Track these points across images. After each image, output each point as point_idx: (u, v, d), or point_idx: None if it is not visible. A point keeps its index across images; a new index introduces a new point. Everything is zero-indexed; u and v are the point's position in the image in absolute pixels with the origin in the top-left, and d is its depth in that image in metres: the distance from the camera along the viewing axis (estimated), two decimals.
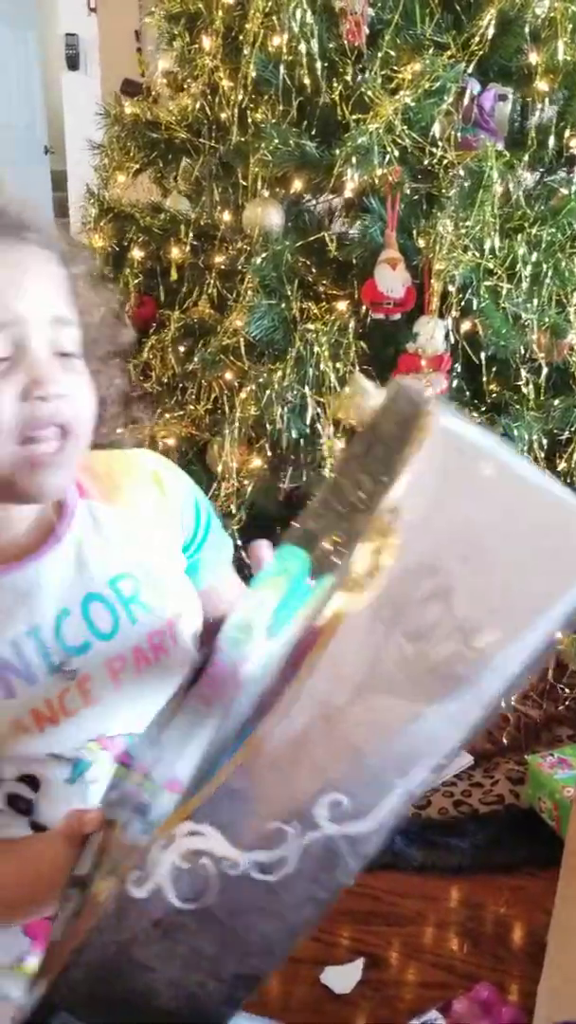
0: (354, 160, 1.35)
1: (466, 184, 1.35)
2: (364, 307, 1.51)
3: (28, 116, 6.49)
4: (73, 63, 5.83)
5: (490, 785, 1.70)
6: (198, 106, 1.54)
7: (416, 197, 1.44)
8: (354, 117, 1.35)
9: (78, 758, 0.76)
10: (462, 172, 1.36)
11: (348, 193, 1.40)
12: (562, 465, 1.56)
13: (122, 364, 0.87)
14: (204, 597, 0.87)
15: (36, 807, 0.76)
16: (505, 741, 1.79)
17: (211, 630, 0.77)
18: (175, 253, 1.64)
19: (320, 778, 0.52)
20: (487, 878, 1.51)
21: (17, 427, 0.70)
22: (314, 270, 1.53)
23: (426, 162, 1.40)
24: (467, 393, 1.55)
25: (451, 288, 1.39)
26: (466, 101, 1.44)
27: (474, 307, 1.43)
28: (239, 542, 1.53)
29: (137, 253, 1.62)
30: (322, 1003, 1.29)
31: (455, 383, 1.56)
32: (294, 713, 0.51)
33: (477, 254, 1.36)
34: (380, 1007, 1.28)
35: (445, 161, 1.39)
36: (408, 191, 1.45)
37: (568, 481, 1.54)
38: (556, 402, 1.51)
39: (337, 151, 1.36)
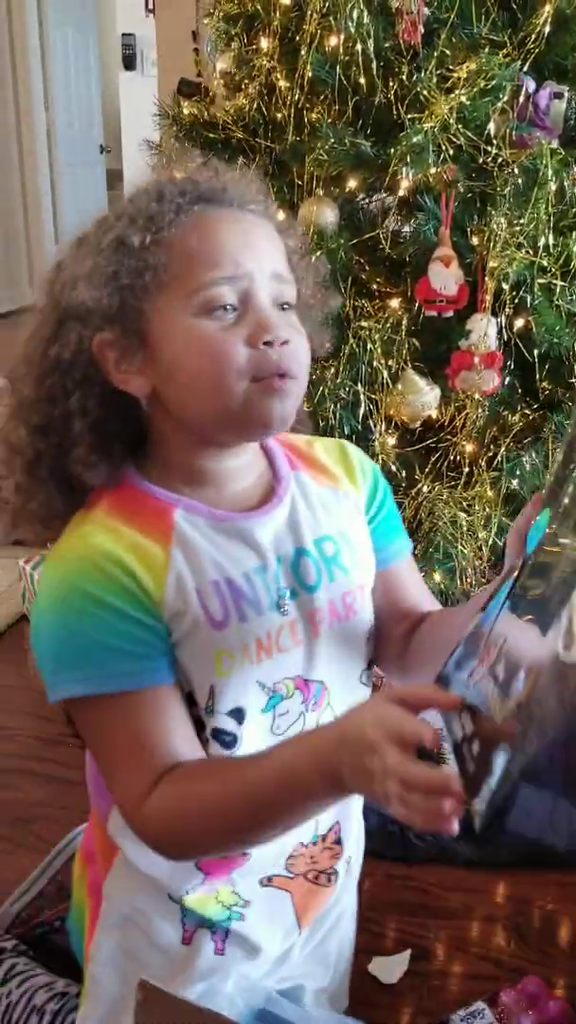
0: (409, 159, 1.36)
1: (520, 182, 1.35)
2: (417, 305, 1.52)
3: (86, 116, 6.58)
4: (129, 63, 5.92)
5: None
6: (254, 106, 1.56)
7: (470, 195, 1.45)
8: (409, 116, 1.36)
9: (276, 691, 0.85)
10: (516, 170, 1.36)
11: (402, 192, 1.41)
12: None
13: (332, 330, 0.97)
14: (386, 580, 0.95)
15: (239, 741, 0.84)
16: None
17: None
18: None
19: None
20: (535, 874, 1.51)
21: (249, 370, 0.78)
22: (367, 268, 1.54)
23: (480, 160, 1.41)
24: (519, 390, 1.55)
25: (504, 286, 1.39)
26: (521, 99, 1.44)
27: (527, 304, 1.44)
28: None
29: None
30: (370, 992, 1.31)
31: (507, 380, 1.56)
32: None
33: (531, 252, 1.36)
34: (427, 998, 1.30)
35: (500, 159, 1.40)
36: (462, 189, 1.46)
37: None
38: None
39: (392, 150, 1.37)
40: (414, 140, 1.32)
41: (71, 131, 6.44)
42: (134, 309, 0.80)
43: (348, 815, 0.99)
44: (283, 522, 0.87)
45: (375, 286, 1.55)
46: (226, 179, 0.86)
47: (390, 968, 1.34)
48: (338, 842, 0.95)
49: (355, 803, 1.03)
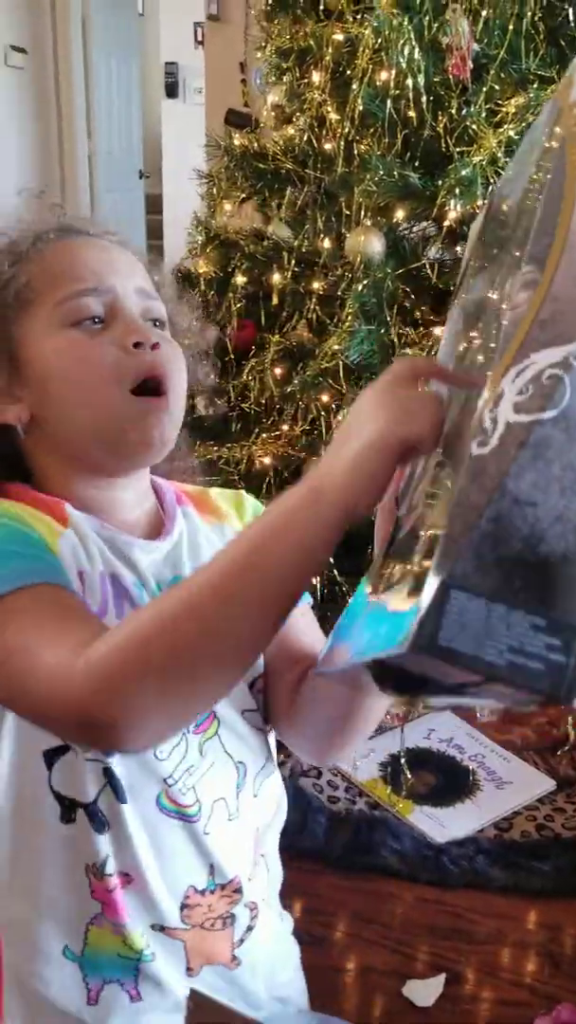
0: (458, 191, 1.39)
1: None
2: None
3: (126, 142, 6.70)
4: (172, 91, 6.03)
5: (572, 811, 1.70)
6: (304, 138, 1.60)
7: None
8: (458, 150, 1.39)
9: None
10: None
11: (448, 222, 1.44)
12: None
13: (212, 364, 0.95)
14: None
15: None
16: None
17: None
18: (276, 279, 1.70)
19: None
20: (568, 902, 1.51)
21: (122, 373, 0.76)
22: (412, 296, 1.57)
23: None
24: None
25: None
26: None
27: None
28: (331, 559, 1.58)
29: (240, 279, 1.69)
30: (403, 1015, 1.31)
31: None
32: None
33: None
34: (460, 1022, 1.30)
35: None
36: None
37: None
38: None
39: (440, 182, 1.40)
40: (463, 173, 1.35)
41: (111, 158, 6.56)
42: (1, 336, 0.79)
43: (251, 866, 0.88)
44: (164, 555, 0.82)
45: (419, 315, 1.58)
46: (83, 218, 0.89)
47: (424, 991, 1.34)
48: (238, 891, 0.84)
49: (269, 846, 0.93)
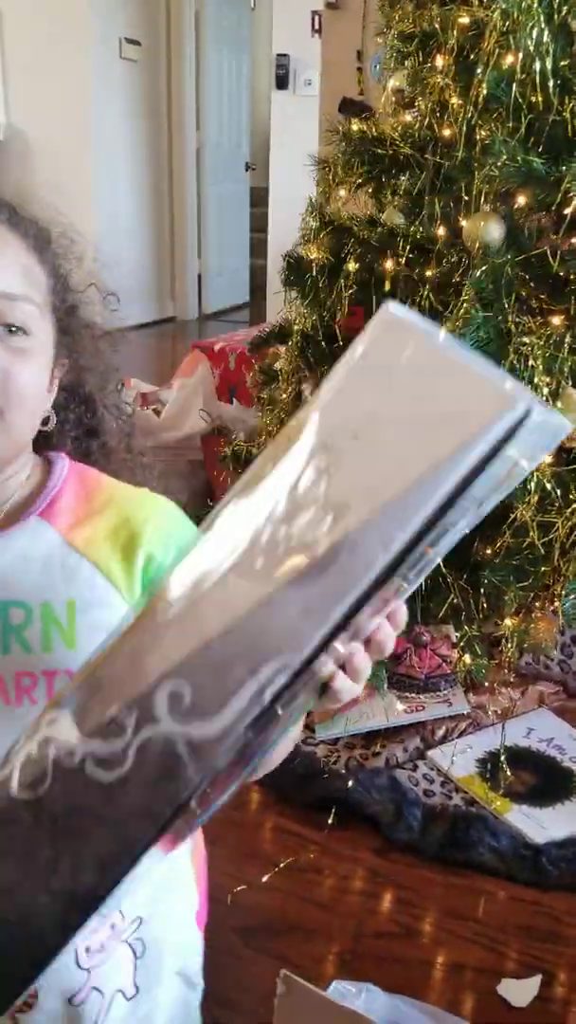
0: None
1: None
2: None
3: (235, 135, 6.76)
4: (282, 83, 6.04)
5: None
6: (424, 123, 1.58)
7: None
8: None
9: None
10: None
11: (572, 209, 1.40)
12: None
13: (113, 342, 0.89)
14: None
15: None
16: None
17: None
18: (389, 265, 1.68)
19: (165, 660, 0.48)
20: None
21: None
22: (531, 284, 1.53)
23: None
24: None
25: None
26: None
27: None
28: None
29: (352, 265, 1.68)
30: (498, 1013, 1.29)
31: None
32: (173, 589, 0.49)
33: None
34: None
35: None
36: None
37: None
38: None
39: (564, 167, 1.37)
40: None
41: (219, 150, 6.62)
42: None
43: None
44: None
45: (536, 303, 1.54)
46: None
47: (520, 991, 1.32)
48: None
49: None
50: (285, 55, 5.63)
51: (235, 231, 7.04)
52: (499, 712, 1.93)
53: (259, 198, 7.18)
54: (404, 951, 1.40)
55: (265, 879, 1.51)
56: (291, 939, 1.40)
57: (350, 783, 1.65)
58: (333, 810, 1.64)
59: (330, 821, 1.63)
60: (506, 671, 2.02)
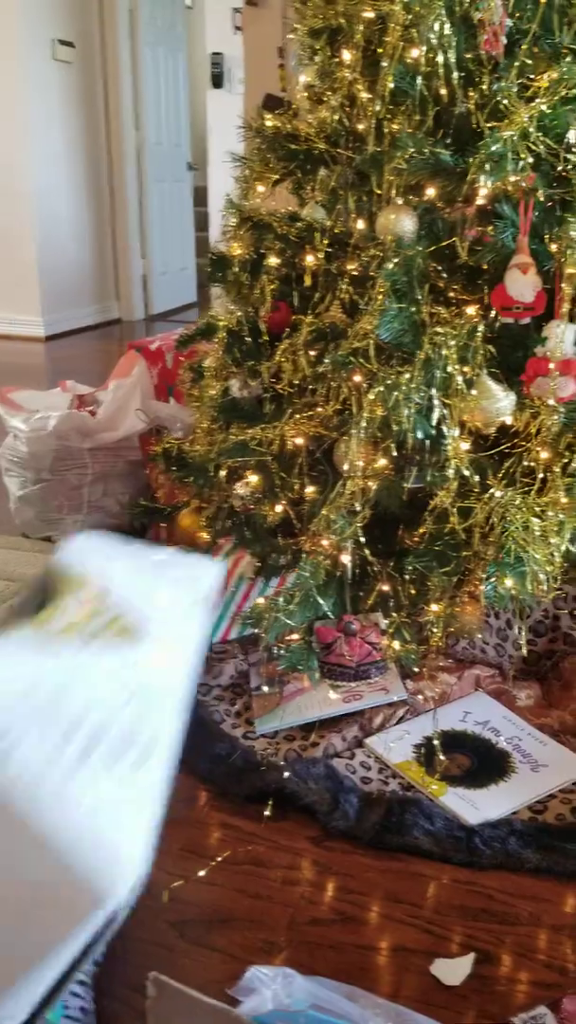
0: (488, 167, 1.37)
1: None
2: (494, 312, 1.54)
3: (175, 134, 6.75)
4: (218, 81, 6.05)
5: None
6: (336, 118, 1.60)
7: (550, 203, 1.46)
8: (489, 125, 1.38)
9: None
10: None
11: (480, 200, 1.42)
12: None
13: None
14: None
15: None
16: None
17: None
18: (309, 260, 1.70)
19: None
20: None
21: None
22: (445, 275, 1.56)
23: (560, 168, 1.42)
24: None
25: None
26: None
27: None
28: (363, 539, 1.58)
29: (272, 260, 1.69)
30: (431, 993, 1.31)
31: None
32: None
33: None
34: (490, 1002, 1.30)
35: None
36: (542, 197, 1.46)
37: None
38: None
39: (471, 159, 1.39)
40: (493, 148, 1.33)
41: (160, 148, 6.61)
42: None
43: None
44: None
45: (452, 293, 1.57)
46: None
47: (453, 970, 1.34)
48: None
49: None
50: (219, 54, 5.64)
51: (179, 231, 7.03)
52: (436, 697, 1.96)
53: (203, 197, 7.18)
54: (340, 937, 1.41)
55: (202, 873, 1.52)
56: (226, 930, 1.41)
57: (286, 774, 1.66)
58: (270, 802, 1.65)
59: (267, 813, 1.64)
60: (442, 657, 2.05)
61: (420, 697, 1.95)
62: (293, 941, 1.40)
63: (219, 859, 1.55)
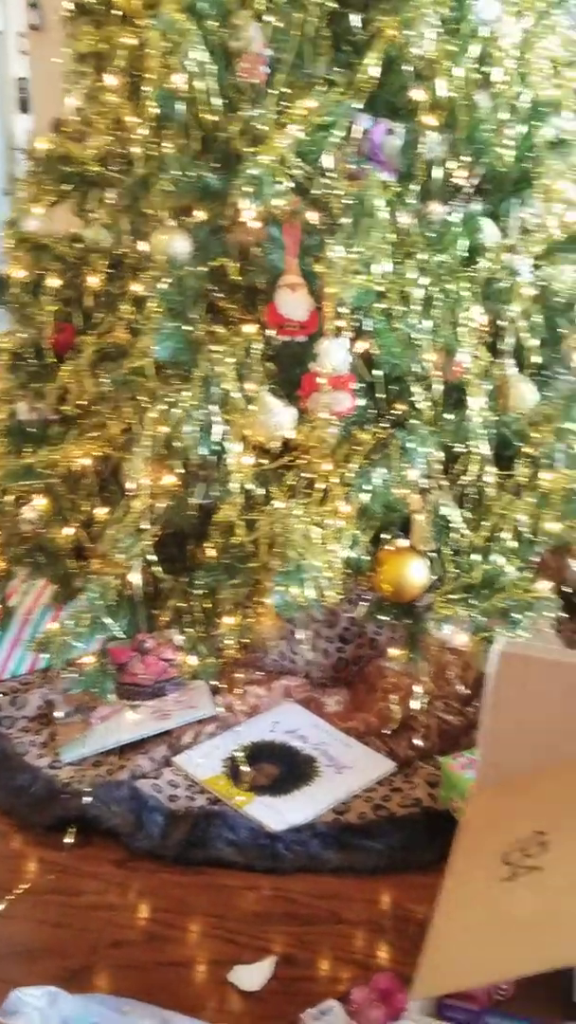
0: (251, 190, 1.42)
1: (354, 213, 1.43)
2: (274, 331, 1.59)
3: None
4: (25, 106, 5.95)
5: (409, 789, 1.75)
6: (108, 140, 1.61)
7: (313, 225, 1.52)
8: (249, 151, 1.43)
9: None
10: (350, 201, 1.44)
11: (248, 222, 1.47)
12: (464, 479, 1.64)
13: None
14: None
15: None
16: (426, 747, 1.84)
17: None
18: (92, 281, 1.71)
19: None
20: (400, 878, 1.55)
21: None
22: (221, 295, 1.60)
23: (319, 192, 1.48)
24: (371, 410, 1.62)
25: (344, 310, 1.47)
26: (360, 135, 1.53)
27: (370, 328, 1.51)
28: (154, 557, 1.59)
29: (53, 282, 1.69)
30: (229, 1001, 1.33)
31: (364, 401, 1.63)
32: None
33: (367, 278, 1.44)
34: (288, 1002, 1.32)
35: (337, 191, 1.47)
36: (308, 220, 1.53)
37: (464, 494, 1.61)
38: (451, 417, 1.59)
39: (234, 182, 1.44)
40: (252, 172, 1.38)
41: None
42: None
43: None
44: None
45: (230, 313, 1.61)
46: None
47: (251, 976, 1.36)
48: None
49: None
50: (25, 78, 5.55)
51: None
52: (247, 711, 1.99)
53: None
54: (143, 956, 1.41)
55: (0, 908, 1.48)
56: (23, 962, 1.38)
57: (87, 800, 1.64)
58: (73, 829, 1.63)
59: (69, 840, 1.61)
60: (252, 670, 2.08)
61: (230, 712, 1.97)
62: (95, 966, 1.38)
63: (16, 892, 1.51)
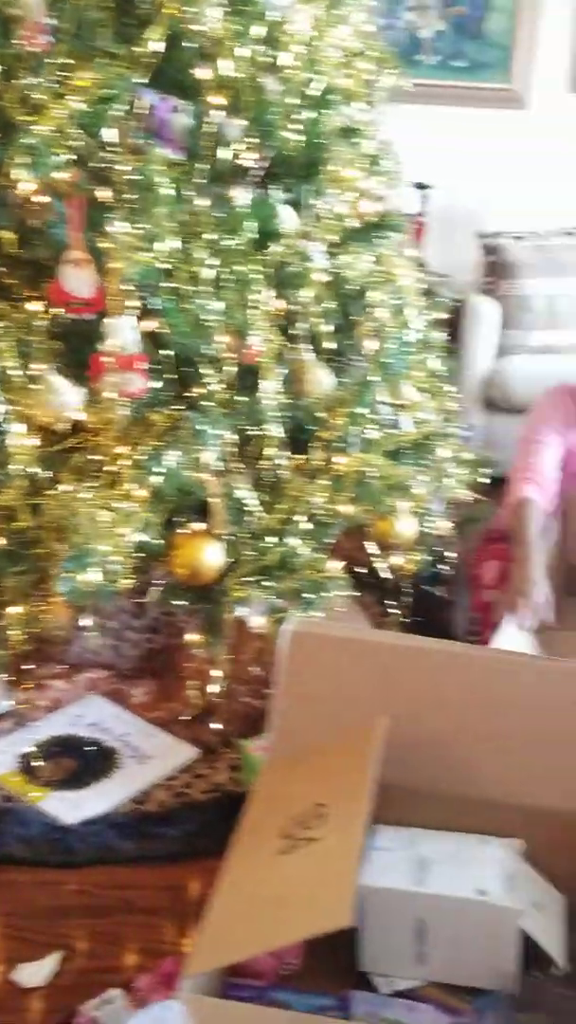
0: (29, 160, 1.37)
1: (138, 189, 1.40)
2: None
3: None
4: None
5: (211, 775, 1.74)
6: None
7: (98, 200, 1.49)
8: (25, 119, 1.38)
9: None
10: (135, 177, 1.41)
11: (23, 192, 1.42)
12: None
13: None
14: None
15: None
16: (227, 731, 1.83)
17: None
18: None
19: None
20: (195, 863, 1.54)
21: None
22: (4, 269, 1.54)
23: (101, 167, 1.45)
24: (164, 391, 1.60)
25: (130, 288, 1.44)
26: (144, 111, 1.50)
27: (158, 307, 1.49)
28: None
29: None
30: (10, 999, 1.28)
31: (160, 384, 1.60)
32: None
33: (152, 255, 1.42)
34: (71, 995, 1.28)
35: (120, 167, 1.44)
36: (92, 195, 1.49)
37: (260, 477, 1.62)
38: (245, 399, 1.59)
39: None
40: (29, 142, 1.33)
41: None
42: None
43: None
44: None
45: (14, 288, 1.55)
46: None
47: (35, 972, 1.32)
48: None
49: None
50: None
51: None
52: (48, 705, 1.93)
53: None
54: None
55: None
56: None
57: None
58: None
59: None
60: (53, 664, 2.02)
61: (28, 706, 1.90)
62: None
63: None
